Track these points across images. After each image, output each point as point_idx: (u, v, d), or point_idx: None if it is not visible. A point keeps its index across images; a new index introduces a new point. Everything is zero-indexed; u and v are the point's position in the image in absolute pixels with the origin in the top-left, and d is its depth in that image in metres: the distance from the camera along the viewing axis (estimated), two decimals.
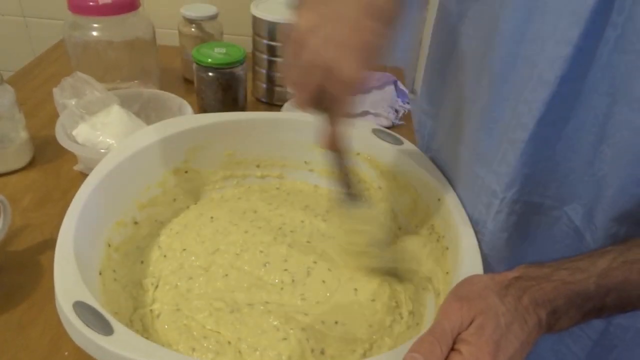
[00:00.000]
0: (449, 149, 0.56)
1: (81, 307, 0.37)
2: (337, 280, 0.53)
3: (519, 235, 0.48)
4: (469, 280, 0.40)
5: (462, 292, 0.39)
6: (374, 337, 0.48)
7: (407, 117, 0.87)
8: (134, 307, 0.50)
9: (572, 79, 0.41)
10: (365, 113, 0.85)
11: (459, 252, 0.48)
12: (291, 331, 0.46)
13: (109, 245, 0.51)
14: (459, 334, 0.36)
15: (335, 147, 0.47)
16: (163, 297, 0.51)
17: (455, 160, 0.55)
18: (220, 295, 0.50)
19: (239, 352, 0.45)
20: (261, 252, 0.55)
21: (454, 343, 0.36)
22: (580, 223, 0.45)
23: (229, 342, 0.46)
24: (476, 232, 0.49)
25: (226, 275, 0.53)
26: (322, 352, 0.45)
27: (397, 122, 0.85)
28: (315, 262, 0.54)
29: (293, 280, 0.52)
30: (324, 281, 0.53)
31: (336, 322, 0.48)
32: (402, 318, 0.51)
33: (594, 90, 0.41)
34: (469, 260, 0.46)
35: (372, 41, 0.41)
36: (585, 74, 0.40)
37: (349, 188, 0.51)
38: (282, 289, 0.52)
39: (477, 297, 0.37)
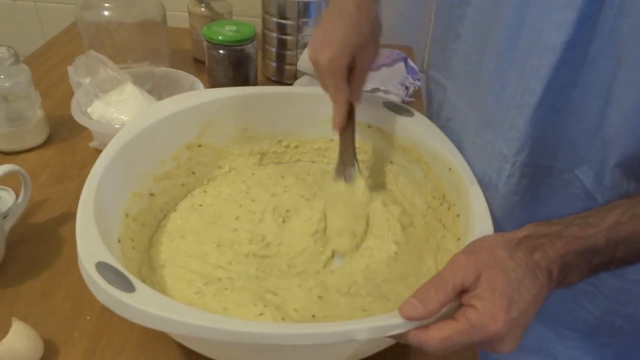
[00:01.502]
0: (458, 117, 0.57)
1: (103, 267, 0.38)
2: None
3: (531, 197, 0.49)
4: (479, 239, 0.41)
5: (470, 248, 0.40)
6: None
7: (417, 94, 0.87)
8: (150, 271, 0.51)
9: (578, 44, 0.41)
10: (375, 90, 0.85)
11: (470, 217, 0.49)
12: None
13: (127, 215, 0.53)
14: (464, 286, 0.37)
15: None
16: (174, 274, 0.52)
17: (465, 128, 0.55)
18: (224, 269, 0.52)
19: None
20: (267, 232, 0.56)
21: (468, 299, 0.37)
22: (590, 185, 0.46)
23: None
24: (487, 197, 0.50)
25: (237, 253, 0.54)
26: None
27: (407, 98, 0.85)
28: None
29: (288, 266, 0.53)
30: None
31: (313, 316, 0.48)
32: None
33: (600, 54, 0.41)
34: (480, 223, 0.47)
35: None
36: (590, 39, 0.41)
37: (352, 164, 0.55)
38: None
39: (484, 252, 0.38)
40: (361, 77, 0.53)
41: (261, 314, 0.47)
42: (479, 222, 0.47)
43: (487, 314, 0.35)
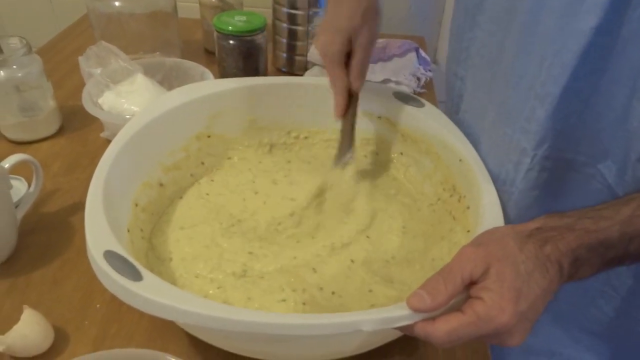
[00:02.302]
0: (476, 109, 0.56)
1: (111, 256, 0.38)
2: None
3: (550, 192, 0.48)
4: (489, 231, 0.40)
5: (480, 239, 0.39)
6: None
7: (428, 84, 0.86)
8: (159, 262, 0.51)
9: (608, 29, 0.39)
10: (386, 81, 0.84)
11: (480, 209, 0.48)
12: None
13: (136, 205, 0.53)
14: (473, 279, 0.36)
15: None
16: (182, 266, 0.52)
17: (482, 120, 0.54)
18: (235, 257, 0.52)
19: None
20: (279, 224, 0.56)
21: (476, 291, 0.36)
22: (613, 180, 0.44)
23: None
24: (504, 192, 0.49)
25: (246, 240, 0.54)
26: None
27: (418, 89, 0.84)
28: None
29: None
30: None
31: (333, 293, 0.48)
32: None
33: (630, 40, 0.39)
34: (490, 215, 0.46)
35: None
36: (621, 24, 0.39)
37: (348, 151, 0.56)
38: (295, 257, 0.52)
39: (493, 244, 0.38)
40: (358, 63, 0.53)
41: (284, 300, 0.47)
42: (489, 213, 0.47)
43: (495, 306, 0.35)
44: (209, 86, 0.62)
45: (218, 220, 0.57)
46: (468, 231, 0.50)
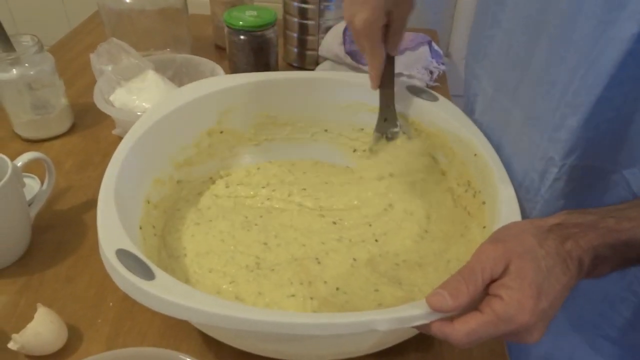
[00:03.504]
0: (497, 111, 0.54)
1: (124, 255, 0.38)
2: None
3: (576, 202, 0.46)
4: (506, 226, 0.39)
5: (498, 235, 0.38)
6: None
7: (442, 78, 0.85)
8: (172, 259, 0.51)
9: None
10: (398, 75, 0.83)
11: (496, 205, 0.47)
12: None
13: (148, 202, 0.53)
14: (493, 278, 0.35)
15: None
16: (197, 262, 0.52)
17: (505, 124, 0.52)
18: (248, 251, 0.52)
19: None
20: (291, 226, 0.56)
21: (494, 288, 0.35)
22: (637, 187, 0.43)
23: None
24: (527, 200, 0.48)
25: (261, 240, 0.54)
26: None
27: (431, 83, 0.83)
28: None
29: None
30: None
31: (337, 289, 0.48)
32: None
33: None
34: (507, 210, 0.45)
35: None
36: None
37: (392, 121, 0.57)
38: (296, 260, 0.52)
39: (512, 240, 0.37)
40: (398, 32, 0.54)
41: (293, 295, 0.47)
42: (506, 208, 0.46)
43: (514, 303, 0.34)
44: (219, 82, 0.61)
45: (237, 213, 0.57)
46: (484, 227, 0.49)
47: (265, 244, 0.53)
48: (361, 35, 0.52)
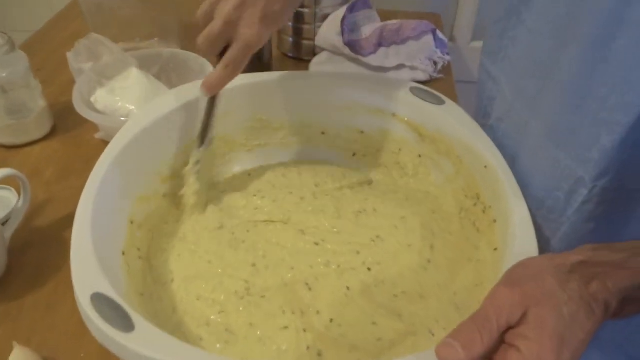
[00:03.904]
0: (515, 120, 0.48)
1: (100, 300, 0.35)
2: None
3: (607, 225, 0.42)
4: (522, 264, 0.35)
5: (514, 276, 0.34)
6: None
7: (446, 69, 0.80)
8: (159, 286, 0.47)
9: None
10: (400, 66, 0.78)
11: (510, 226, 0.43)
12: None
13: (132, 223, 0.49)
14: (509, 325, 0.32)
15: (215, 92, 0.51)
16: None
17: (523, 135, 0.47)
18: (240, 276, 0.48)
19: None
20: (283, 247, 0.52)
21: (511, 338, 0.32)
22: None
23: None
24: (550, 221, 0.44)
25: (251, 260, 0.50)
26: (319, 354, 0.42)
27: (435, 75, 0.78)
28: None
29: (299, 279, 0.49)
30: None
31: (331, 321, 0.44)
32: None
33: None
34: (521, 235, 0.41)
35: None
36: None
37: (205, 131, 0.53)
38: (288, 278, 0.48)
39: (530, 282, 0.33)
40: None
41: (286, 327, 0.44)
42: (520, 233, 0.42)
43: (533, 358, 0.31)
44: None
45: (224, 228, 0.53)
46: (495, 249, 0.46)
47: (253, 265, 0.49)
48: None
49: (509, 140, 0.49)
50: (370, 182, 0.61)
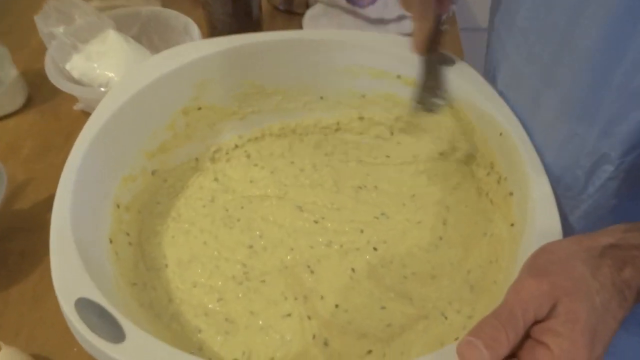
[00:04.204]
0: (525, 89, 0.44)
1: (86, 306, 0.31)
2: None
3: (631, 202, 0.39)
4: (547, 249, 0.32)
5: (539, 264, 0.31)
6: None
7: (451, 19, 0.74)
8: (150, 272, 0.44)
9: None
10: (401, 17, 0.72)
11: (528, 201, 0.40)
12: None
13: (118, 206, 0.45)
14: (537, 319, 0.29)
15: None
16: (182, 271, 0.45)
17: (535, 105, 0.43)
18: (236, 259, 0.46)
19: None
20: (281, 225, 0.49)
21: (539, 333, 0.29)
22: None
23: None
24: (568, 198, 0.40)
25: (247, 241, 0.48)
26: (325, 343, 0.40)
27: (440, 28, 0.72)
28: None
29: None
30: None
31: (337, 306, 0.42)
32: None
33: None
34: (542, 212, 0.38)
35: None
36: None
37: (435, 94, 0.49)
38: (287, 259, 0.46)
39: (559, 271, 0.30)
40: None
41: (288, 315, 0.41)
42: (541, 210, 0.38)
43: (564, 356, 0.28)
44: (193, 49, 0.51)
45: (217, 203, 0.50)
46: (512, 224, 0.42)
47: (250, 247, 0.47)
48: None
49: (518, 109, 0.45)
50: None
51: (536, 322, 0.29)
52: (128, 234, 0.45)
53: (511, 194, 0.44)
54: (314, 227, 0.48)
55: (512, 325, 0.28)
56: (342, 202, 0.50)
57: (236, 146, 0.56)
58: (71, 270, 0.33)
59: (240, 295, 0.43)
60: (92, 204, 0.41)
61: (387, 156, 0.54)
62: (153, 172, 0.50)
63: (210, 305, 0.42)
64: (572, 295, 0.29)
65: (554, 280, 0.29)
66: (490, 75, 0.50)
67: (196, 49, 0.51)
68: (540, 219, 0.38)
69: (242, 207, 0.50)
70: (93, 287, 0.32)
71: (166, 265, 0.45)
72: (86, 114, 0.61)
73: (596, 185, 0.39)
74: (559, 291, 0.29)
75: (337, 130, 0.58)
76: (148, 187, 0.49)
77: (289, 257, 0.46)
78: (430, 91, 0.49)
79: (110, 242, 0.42)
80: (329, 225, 0.48)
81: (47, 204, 0.52)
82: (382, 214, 0.48)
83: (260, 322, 0.41)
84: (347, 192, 0.51)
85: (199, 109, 0.53)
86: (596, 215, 0.40)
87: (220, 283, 0.44)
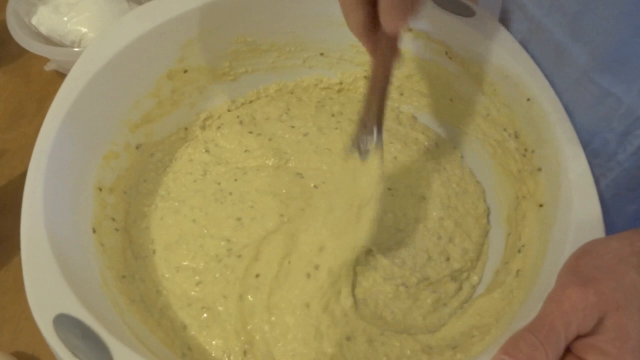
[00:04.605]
0: (547, 43, 0.38)
1: (67, 324, 0.28)
2: None
3: None
4: (592, 251, 0.28)
5: (583, 269, 0.27)
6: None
7: None
8: (137, 261, 0.41)
9: None
10: None
11: (562, 181, 0.35)
12: None
13: (100, 189, 0.40)
14: (580, 333, 0.26)
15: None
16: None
17: (557, 61, 0.38)
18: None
19: None
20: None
21: (582, 349, 0.26)
22: None
23: None
24: (595, 165, 0.36)
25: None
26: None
27: None
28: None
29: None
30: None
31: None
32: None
33: None
34: (580, 197, 0.34)
35: None
36: None
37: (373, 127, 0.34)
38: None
39: (607, 279, 0.26)
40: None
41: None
42: (579, 193, 0.34)
43: None
44: (178, 2, 0.44)
45: (209, 176, 0.46)
46: (540, 205, 0.38)
47: (239, 219, 0.43)
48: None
49: (542, 65, 0.40)
50: None
51: (579, 337, 0.26)
52: (114, 219, 0.41)
53: (539, 169, 0.39)
54: (311, 191, 0.44)
55: (552, 343, 0.25)
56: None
57: (229, 111, 0.50)
58: (48, 280, 0.29)
59: (217, 275, 0.40)
60: (70, 190, 0.37)
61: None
62: (138, 147, 0.45)
63: (192, 293, 0.39)
64: (622, 308, 0.25)
65: (602, 291, 0.26)
66: (507, 23, 0.44)
67: (181, 2, 0.44)
68: (578, 204, 0.34)
69: (235, 180, 0.45)
70: (74, 300, 0.28)
71: (154, 251, 0.42)
72: (60, 75, 0.55)
73: (628, 151, 0.35)
74: (608, 303, 0.25)
75: (339, 91, 0.53)
76: (133, 163, 0.44)
77: (270, 224, 0.42)
78: (365, 126, 0.35)
79: (94, 231, 0.38)
80: (331, 189, 0.44)
81: (21, 179, 0.48)
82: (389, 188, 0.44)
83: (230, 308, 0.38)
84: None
85: (186, 71, 0.47)
86: (626, 186, 0.37)
87: (202, 264, 0.40)
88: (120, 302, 0.35)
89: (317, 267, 0.38)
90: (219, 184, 0.45)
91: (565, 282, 0.27)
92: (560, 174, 0.36)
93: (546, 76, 0.40)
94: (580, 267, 0.27)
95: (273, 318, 0.37)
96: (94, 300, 0.31)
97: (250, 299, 0.38)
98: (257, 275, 0.39)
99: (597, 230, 0.32)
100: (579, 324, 0.25)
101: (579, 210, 0.33)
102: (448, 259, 0.41)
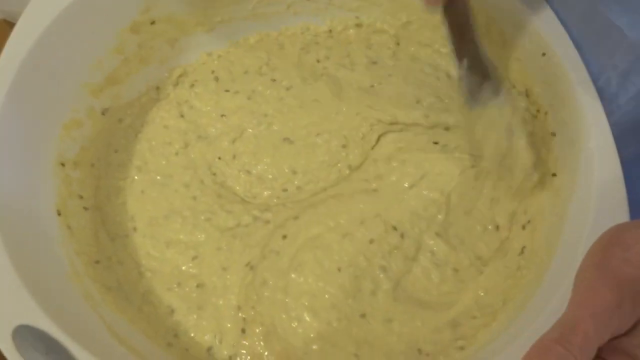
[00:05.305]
0: None
1: (27, 336, 0.24)
2: None
3: None
4: (621, 241, 0.25)
5: (613, 264, 0.24)
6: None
7: None
8: (114, 243, 0.37)
9: None
10: None
11: (581, 149, 0.32)
12: None
13: (63, 164, 0.36)
14: (613, 335, 0.23)
15: None
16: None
17: None
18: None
19: None
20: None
21: (612, 353, 0.23)
22: None
23: None
24: None
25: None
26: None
27: None
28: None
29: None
30: None
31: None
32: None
33: None
34: (602, 169, 0.31)
35: None
36: None
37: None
38: None
39: None
40: None
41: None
42: (601, 166, 0.31)
43: None
44: None
45: (195, 157, 0.41)
46: (554, 175, 0.35)
47: (248, 172, 0.40)
48: None
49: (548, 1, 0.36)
50: (375, 62, 0.46)
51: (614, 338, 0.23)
52: (81, 197, 0.37)
53: (554, 134, 0.35)
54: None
55: (585, 349, 0.22)
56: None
57: (203, 64, 0.45)
58: (2, 287, 0.25)
59: (223, 245, 0.37)
60: (24, 171, 0.32)
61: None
62: (103, 112, 0.40)
63: (183, 267, 0.36)
64: None
65: (637, 290, 0.23)
66: None
67: None
68: (599, 178, 0.30)
69: (219, 158, 0.41)
70: (35, 307, 0.25)
71: (135, 229, 0.38)
72: (9, 24, 0.49)
73: (630, 92, 0.32)
74: None
75: (328, 39, 0.47)
76: (100, 132, 0.39)
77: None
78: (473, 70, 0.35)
79: (59, 214, 0.34)
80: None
81: None
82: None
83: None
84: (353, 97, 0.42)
85: (153, 23, 0.41)
86: (627, 127, 0.34)
87: (203, 236, 0.37)
88: (93, 292, 0.32)
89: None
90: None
91: (593, 277, 0.24)
92: (579, 142, 0.32)
93: (554, 11, 0.36)
94: (609, 260, 0.24)
95: (288, 282, 0.35)
96: (61, 300, 0.27)
97: (265, 263, 0.35)
98: (284, 237, 0.36)
99: (620, 209, 0.29)
100: (612, 330, 0.23)
101: (601, 187, 0.30)
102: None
